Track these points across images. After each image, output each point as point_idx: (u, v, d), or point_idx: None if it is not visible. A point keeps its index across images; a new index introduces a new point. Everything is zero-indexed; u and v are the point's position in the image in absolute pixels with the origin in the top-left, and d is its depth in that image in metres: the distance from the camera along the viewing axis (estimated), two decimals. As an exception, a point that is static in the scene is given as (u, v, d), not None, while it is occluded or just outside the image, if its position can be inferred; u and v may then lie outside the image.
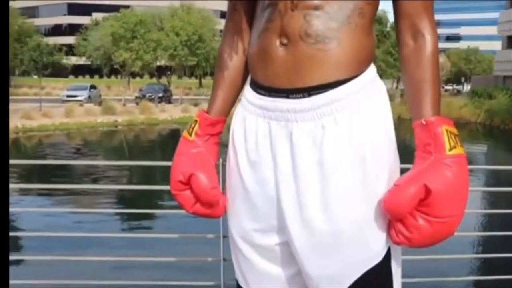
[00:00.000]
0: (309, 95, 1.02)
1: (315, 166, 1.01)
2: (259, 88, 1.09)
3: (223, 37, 1.23)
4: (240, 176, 1.11)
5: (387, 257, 1.05)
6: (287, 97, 1.03)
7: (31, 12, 57.94)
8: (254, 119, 1.09)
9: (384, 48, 39.81)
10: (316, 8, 1.01)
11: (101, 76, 52.88)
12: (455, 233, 1.02)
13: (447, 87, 54.67)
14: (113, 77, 51.49)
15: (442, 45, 72.61)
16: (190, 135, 1.20)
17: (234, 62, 1.19)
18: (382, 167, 1.02)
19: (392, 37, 42.87)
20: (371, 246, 1.03)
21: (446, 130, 0.98)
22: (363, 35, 1.04)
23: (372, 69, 1.07)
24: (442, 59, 50.84)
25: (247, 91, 1.14)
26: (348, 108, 1.01)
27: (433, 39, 1.04)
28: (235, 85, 1.20)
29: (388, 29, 42.87)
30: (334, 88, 1.01)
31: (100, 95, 33.29)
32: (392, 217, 1.00)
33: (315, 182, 1.01)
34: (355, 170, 1.00)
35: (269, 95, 1.06)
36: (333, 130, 1.00)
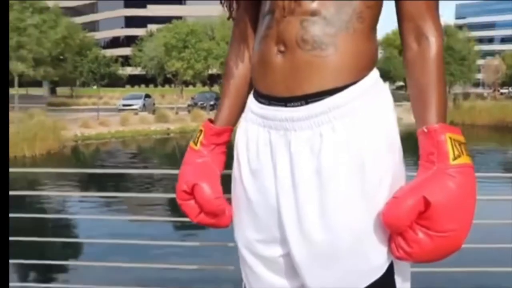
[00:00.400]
0: (307, 103, 1.00)
1: (313, 175, 0.99)
2: (260, 96, 1.08)
3: (229, 45, 1.22)
4: (243, 185, 1.10)
5: (390, 272, 1.01)
6: (285, 105, 1.02)
7: (92, 26, 60.63)
8: (255, 128, 1.08)
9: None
10: (312, 13, 0.99)
11: (156, 86, 54.42)
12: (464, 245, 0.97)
13: (502, 90, 52.42)
14: (167, 86, 52.85)
15: (497, 47, 69.68)
16: (196, 144, 1.20)
17: (240, 71, 1.18)
18: (383, 174, 0.98)
19: (444, 41, 41.67)
20: (370, 257, 0.99)
21: (450, 138, 0.94)
22: (363, 40, 1.01)
23: (373, 75, 1.04)
24: (497, 61, 49.06)
25: (250, 100, 1.13)
26: (347, 115, 0.98)
27: (437, 41, 1.00)
28: (241, 94, 1.18)
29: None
30: (332, 95, 0.99)
31: (154, 104, 34.17)
32: (391, 230, 0.96)
33: (313, 191, 0.99)
34: (353, 177, 0.97)
35: (269, 104, 1.05)
36: (331, 138, 0.98)
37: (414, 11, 1.01)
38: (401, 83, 50.42)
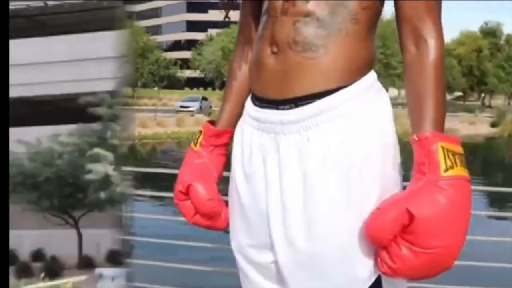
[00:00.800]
0: (296, 106, 0.97)
1: (299, 181, 0.97)
2: (255, 99, 1.07)
3: (235, 47, 1.23)
4: (237, 189, 1.09)
5: (378, 286, 0.96)
6: (277, 108, 1.00)
7: (155, 30, 62.38)
8: (250, 130, 1.06)
9: (496, 62, 37.57)
10: (306, 14, 0.97)
11: (214, 89, 55.54)
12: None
13: None
14: (224, 90, 53.71)
15: None
16: (195, 145, 1.21)
17: (242, 72, 1.17)
18: (373, 179, 0.95)
19: (506, 51, 40.42)
20: (356, 269, 0.95)
21: (443, 148, 0.88)
22: (357, 42, 0.98)
23: (368, 78, 1.00)
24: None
25: (247, 102, 1.11)
26: (336, 119, 0.96)
27: (437, 44, 0.95)
28: (243, 95, 1.16)
29: (502, 42, 40.51)
30: (322, 98, 0.96)
31: (210, 107, 34.93)
32: (373, 242, 0.92)
33: (300, 197, 0.97)
34: (341, 184, 0.95)
35: (262, 106, 1.04)
36: (318, 143, 0.96)
37: (412, 12, 0.96)
38: (460, 93, 48.96)
